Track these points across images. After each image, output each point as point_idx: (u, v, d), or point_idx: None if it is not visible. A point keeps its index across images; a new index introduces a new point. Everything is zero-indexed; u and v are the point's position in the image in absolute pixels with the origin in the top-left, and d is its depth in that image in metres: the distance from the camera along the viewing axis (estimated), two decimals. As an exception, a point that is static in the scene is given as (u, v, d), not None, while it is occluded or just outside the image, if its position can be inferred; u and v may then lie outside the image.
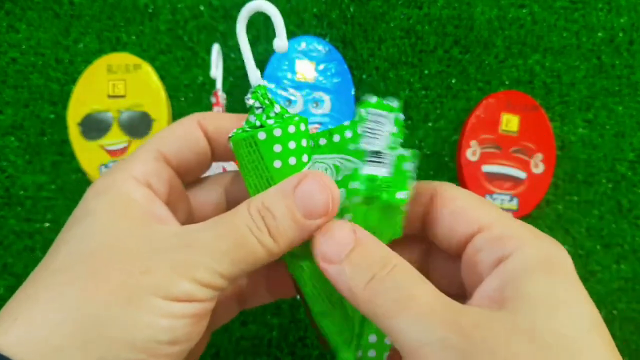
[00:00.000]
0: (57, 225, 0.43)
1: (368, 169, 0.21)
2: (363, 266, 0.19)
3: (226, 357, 0.43)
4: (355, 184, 0.20)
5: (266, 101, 0.22)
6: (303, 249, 0.21)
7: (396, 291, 0.18)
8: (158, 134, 0.23)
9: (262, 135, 0.21)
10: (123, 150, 0.43)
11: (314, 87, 0.44)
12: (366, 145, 0.21)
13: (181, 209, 0.24)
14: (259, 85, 0.22)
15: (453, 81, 0.46)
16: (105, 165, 0.43)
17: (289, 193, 0.20)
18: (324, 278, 0.20)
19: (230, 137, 0.22)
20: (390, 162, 0.21)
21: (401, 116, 0.22)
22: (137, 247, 0.19)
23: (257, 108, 0.22)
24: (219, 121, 0.24)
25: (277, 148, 0.21)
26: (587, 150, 0.46)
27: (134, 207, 0.20)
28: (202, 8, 0.47)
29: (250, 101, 0.22)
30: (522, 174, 0.44)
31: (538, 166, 0.44)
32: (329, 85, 0.44)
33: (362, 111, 0.22)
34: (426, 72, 0.46)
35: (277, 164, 0.21)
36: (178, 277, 0.18)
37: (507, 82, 0.46)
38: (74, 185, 0.44)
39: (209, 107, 0.45)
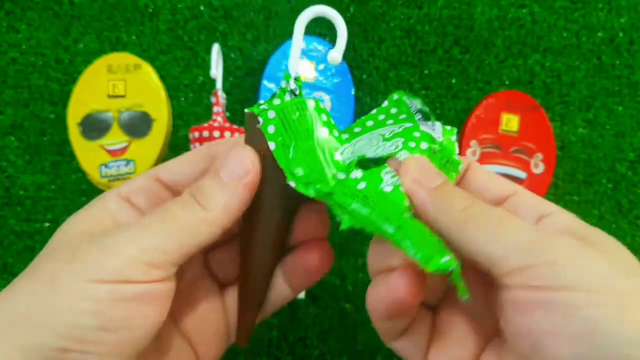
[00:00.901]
0: (57, 225, 0.43)
1: (425, 128, 0.22)
2: (457, 196, 0.20)
3: (226, 357, 0.42)
4: (418, 134, 0.22)
5: (298, 91, 0.23)
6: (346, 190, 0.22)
7: (491, 214, 0.19)
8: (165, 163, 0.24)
9: (311, 103, 0.22)
10: (123, 150, 0.43)
11: (314, 87, 0.44)
12: (416, 115, 0.24)
13: None
14: (298, 77, 0.24)
15: (453, 81, 0.46)
16: (105, 165, 0.43)
17: (213, 169, 0.21)
18: (386, 200, 0.21)
19: (266, 107, 0.22)
20: (440, 130, 0.23)
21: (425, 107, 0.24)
22: (77, 242, 0.19)
23: (292, 91, 0.23)
24: (222, 146, 0.24)
25: (324, 117, 0.22)
26: (587, 150, 0.46)
27: (100, 213, 0.21)
28: (202, 8, 0.47)
29: (292, 85, 0.23)
30: (522, 174, 0.44)
31: (538, 166, 0.44)
32: (329, 85, 0.44)
33: (395, 96, 0.25)
34: (426, 72, 0.46)
35: (323, 131, 0.22)
36: (105, 258, 0.18)
37: (507, 82, 0.46)
38: (74, 185, 0.44)
39: (209, 107, 0.45)
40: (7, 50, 0.46)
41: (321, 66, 0.45)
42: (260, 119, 0.22)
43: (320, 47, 0.45)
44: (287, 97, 0.23)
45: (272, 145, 0.22)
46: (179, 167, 0.24)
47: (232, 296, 0.26)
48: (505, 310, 0.19)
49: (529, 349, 0.18)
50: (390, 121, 0.24)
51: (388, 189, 0.21)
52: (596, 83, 0.46)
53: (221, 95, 0.43)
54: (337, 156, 0.22)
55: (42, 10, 0.47)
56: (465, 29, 0.47)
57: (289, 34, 0.47)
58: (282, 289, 0.26)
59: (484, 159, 0.44)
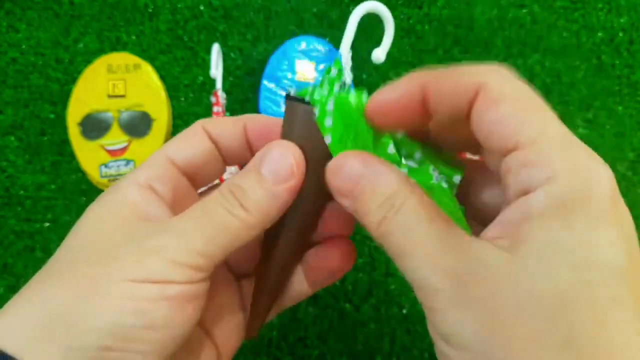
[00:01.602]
0: (57, 225, 0.43)
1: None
2: (373, 206, 0.18)
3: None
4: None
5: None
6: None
7: (403, 235, 0.18)
8: (168, 142, 0.24)
9: (365, 96, 0.21)
10: (123, 150, 0.43)
11: (314, 87, 0.44)
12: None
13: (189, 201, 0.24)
14: (340, 70, 0.23)
15: (453, 81, 0.46)
16: (105, 165, 0.43)
17: (254, 166, 0.21)
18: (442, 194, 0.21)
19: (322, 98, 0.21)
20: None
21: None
22: (113, 240, 0.19)
23: (343, 85, 0.23)
24: (222, 126, 0.24)
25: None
26: (587, 150, 0.46)
27: (126, 207, 0.21)
28: (202, 8, 0.47)
29: (348, 78, 0.23)
30: (522, 174, 0.44)
31: (538, 166, 0.44)
32: (329, 85, 0.44)
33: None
34: (426, 72, 0.46)
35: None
36: (148, 259, 0.18)
37: (507, 82, 0.46)
38: (74, 185, 0.44)
39: (209, 107, 0.45)
40: (7, 50, 0.46)
41: (321, 66, 0.45)
42: (316, 110, 0.21)
43: (320, 47, 0.45)
44: (337, 88, 0.22)
45: (328, 139, 0.21)
46: (188, 149, 0.23)
47: (248, 288, 0.26)
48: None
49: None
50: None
51: (444, 185, 0.21)
52: (596, 83, 0.46)
53: (221, 95, 0.43)
54: (390, 149, 0.21)
55: (42, 10, 0.47)
56: (465, 29, 0.47)
57: (289, 34, 0.47)
58: (300, 285, 0.25)
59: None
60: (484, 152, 0.20)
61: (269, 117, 0.24)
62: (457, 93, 0.18)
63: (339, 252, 0.24)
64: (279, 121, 0.23)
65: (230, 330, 0.25)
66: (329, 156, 0.21)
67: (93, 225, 0.20)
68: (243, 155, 0.24)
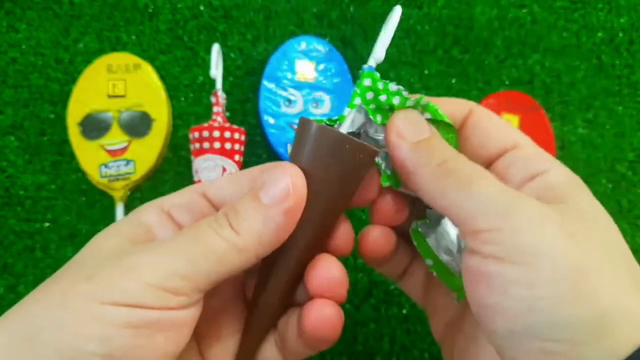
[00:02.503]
0: (57, 225, 0.43)
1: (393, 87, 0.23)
2: (437, 150, 0.20)
3: None
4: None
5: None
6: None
7: (467, 171, 0.19)
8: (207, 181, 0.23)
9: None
10: (123, 150, 0.43)
11: (314, 87, 0.44)
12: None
13: None
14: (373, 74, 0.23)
15: (453, 81, 0.46)
16: (105, 165, 0.43)
17: (253, 189, 0.19)
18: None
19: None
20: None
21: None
22: (98, 258, 0.18)
23: (400, 93, 0.23)
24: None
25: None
26: (587, 150, 0.46)
27: (133, 228, 0.20)
28: (202, 8, 0.47)
29: (394, 87, 0.23)
30: (522, 174, 0.44)
31: (538, 166, 0.44)
32: (329, 85, 0.44)
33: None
34: (426, 72, 0.46)
35: None
36: (121, 279, 0.17)
37: (507, 82, 0.46)
38: (74, 185, 0.44)
39: (209, 107, 0.45)
40: (7, 50, 0.46)
41: (321, 66, 0.45)
42: (343, 128, 0.22)
43: (320, 47, 0.45)
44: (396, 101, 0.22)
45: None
46: (227, 184, 0.22)
47: None
48: (464, 277, 0.19)
49: (476, 318, 0.18)
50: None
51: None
52: (596, 83, 0.46)
53: (221, 95, 0.43)
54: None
55: (42, 10, 0.47)
56: (465, 29, 0.47)
57: (289, 34, 0.47)
58: (295, 345, 0.22)
59: (483, 159, 0.44)
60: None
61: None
62: (456, 111, 0.23)
63: (313, 316, 0.21)
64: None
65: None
66: (341, 180, 0.20)
67: (96, 242, 0.20)
68: None
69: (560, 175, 0.20)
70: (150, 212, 0.21)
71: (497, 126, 0.22)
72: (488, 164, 0.22)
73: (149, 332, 0.17)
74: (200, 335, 0.22)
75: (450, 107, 0.23)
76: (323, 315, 0.21)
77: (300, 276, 0.22)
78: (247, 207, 0.19)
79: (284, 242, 0.20)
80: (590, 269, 0.16)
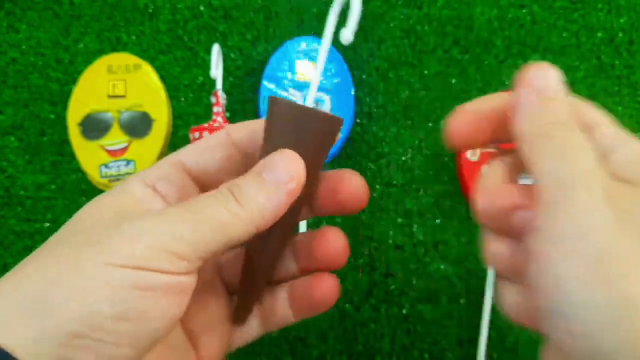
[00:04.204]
0: (57, 225, 0.43)
1: None
2: (553, 110, 0.19)
3: (226, 357, 0.43)
4: None
5: None
6: None
7: (565, 136, 0.19)
8: (185, 147, 0.23)
9: None
10: (123, 150, 0.43)
11: (314, 87, 0.44)
12: None
13: None
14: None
15: (453, 81, 0.46)
16: (105, 165, 0.43)
17: (255, 169, 0.21)
18: None
19: None
20: None
21: None
22: (101, 226, 0.18)
23: None
24: (243, 129, 0.23)
25: None
26: (586, 150, 0.46)
27: (125, 199, 0.20)
28: (202, 8, 0.47)
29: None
30: (522, 174, 0.44)
31: (538, 166, 0.44)
32: (329, 85, 0.44)
33: None
34: (426, 72, 0.46)
35: None
36: (128, 242, 0.17)
37: (507, 82, 0.46)
38: (74, 185, 0.44)
39: (209, 107, 0.45)
40: (7, 50, 0.46)
41: (321, 66, 0.45)
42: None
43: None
44: None
45: None
46: (203, 155, 0.23)
47: None
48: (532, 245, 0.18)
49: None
50: None
51: None
52: (596, 83, 0.46)
53: (221, 96, 0.43)
54: None
55: (42, 10, 0.47)
56: (465, 29, 0.47)
57: (289, 34, 0.47)
58: (285, 311, 0.25)
59: (484, 159, 0.44)
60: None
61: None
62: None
63: (323, 286, 0.24)
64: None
65: (213, 342, 0.24)
66: (316, 150, 0.22)
67: (89, 212, 0.20)
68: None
69: (632, 150, 0.19)
70: (134, 185, 0.21)
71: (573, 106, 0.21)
72: None
73: (155, 294, 0.17)
74: (187, 311, 0.23)
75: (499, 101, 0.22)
76: (332, 285, 0.24)
77: (288, 239, 0.25)
78: (251, 184, 0.20)
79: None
80: (624, 254, 0.16)
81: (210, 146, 0.23)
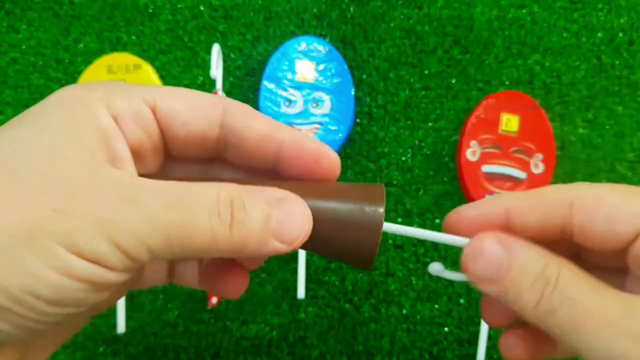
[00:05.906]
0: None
1: None
2: (526, 286, 0.18)
3: (226, 357, 0.43)
4: None
5: None
6: None
7: (568, 307, 0.17)
8: (165, 87, 0.20)
9: None
10: (123, 150, 0.43)
11: (314, 87, 0.44)
12: None
13: (149, 165, 0.21)
14: None
15: (453, 81, 0.46)
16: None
17: (272, 203, 0.18)
18: None
19: None
20: None
21: None
22: (69, 181, 0.16)
23: None
24: (240, 122, 0.20)
25: None
26: (586, 150, 0.46)
27: (91, 134, 0.17)
28: (202, 8, 0.47)
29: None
30: (522, 174, 0.44)
31: (538, 166, 0.44)
32: (329, 85, 0.44)
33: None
34: (426, 72, 0.46)
35: None
36: (96, 232, 0.15)
37: (507, 82, 0.46)
38: (74, 185, 0.44)
39: (209, 107, 0.45)
40: (7, 50, 0.46)
41: (321, 66, 0.45)
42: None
43: (320, 47, 0.45)
44: None
45: None
46: (185, 108, 0.20)
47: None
48: None
49: None
50: None
51: None
52: (596, 83, 0.46)
53: (221, 95, 0.43)
54: None
55: (42, 10, 0.47)
56: (465, 29, 0.47)
57: (289, 34, 0.47)
58: (191, 280, 0.24)
59: (483, 159, 0.44)
60: (589, 252, 0.21)
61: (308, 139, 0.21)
62: (549, 210, 0.19)
63: (234, 281, 0.23)
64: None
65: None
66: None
67: (48, 142, 0.16)
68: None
69: None
70: (102, 113, 0.18)
71: (615, 207, 0.18)
72: (621, 247, 0.19)
73: (100, 288, 0.16)
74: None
75: (542, 205, 0.20)
76: (240, 283, 0.24)
77: None
78: (256, 218, 0.18)
79: None
80: None
81: (193, 104, 0.20)
